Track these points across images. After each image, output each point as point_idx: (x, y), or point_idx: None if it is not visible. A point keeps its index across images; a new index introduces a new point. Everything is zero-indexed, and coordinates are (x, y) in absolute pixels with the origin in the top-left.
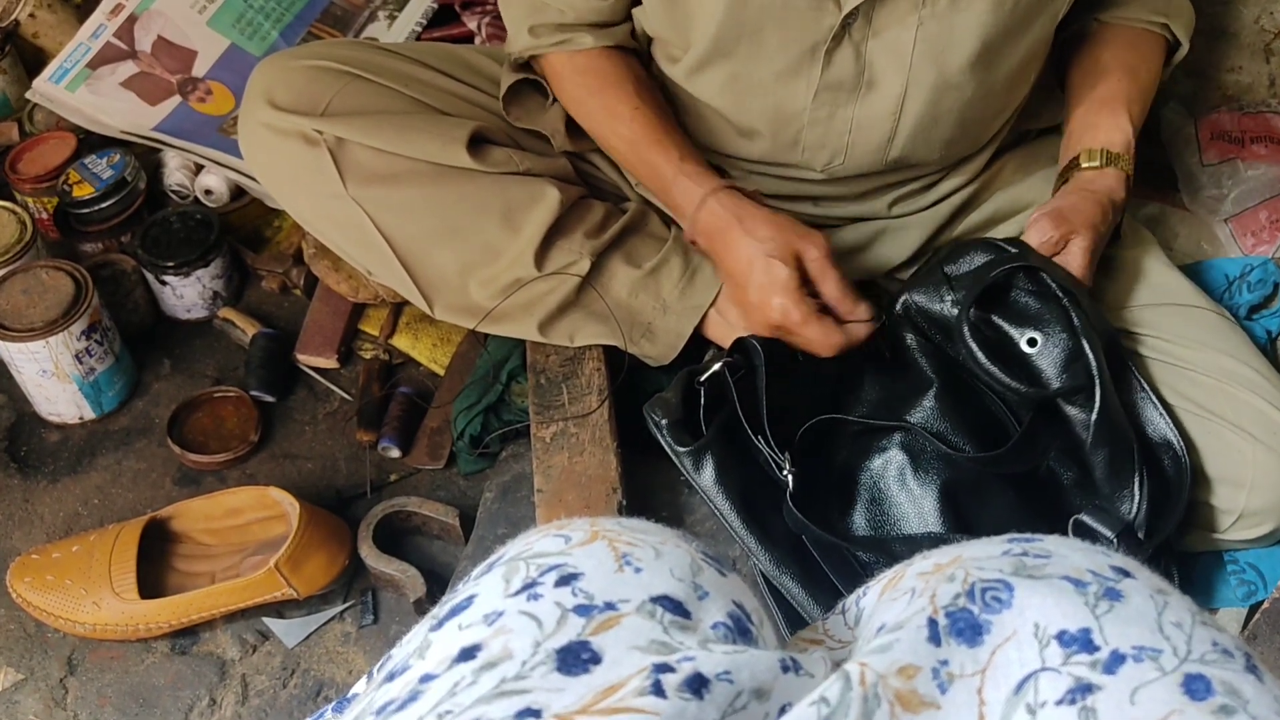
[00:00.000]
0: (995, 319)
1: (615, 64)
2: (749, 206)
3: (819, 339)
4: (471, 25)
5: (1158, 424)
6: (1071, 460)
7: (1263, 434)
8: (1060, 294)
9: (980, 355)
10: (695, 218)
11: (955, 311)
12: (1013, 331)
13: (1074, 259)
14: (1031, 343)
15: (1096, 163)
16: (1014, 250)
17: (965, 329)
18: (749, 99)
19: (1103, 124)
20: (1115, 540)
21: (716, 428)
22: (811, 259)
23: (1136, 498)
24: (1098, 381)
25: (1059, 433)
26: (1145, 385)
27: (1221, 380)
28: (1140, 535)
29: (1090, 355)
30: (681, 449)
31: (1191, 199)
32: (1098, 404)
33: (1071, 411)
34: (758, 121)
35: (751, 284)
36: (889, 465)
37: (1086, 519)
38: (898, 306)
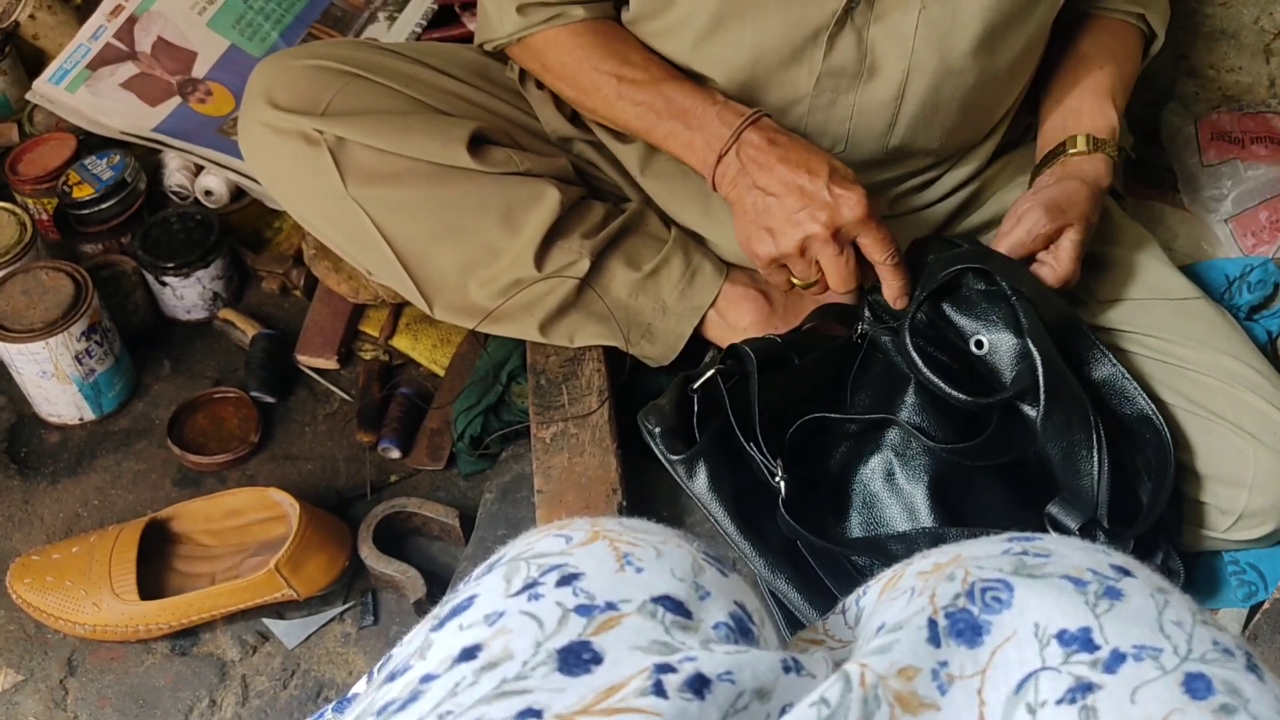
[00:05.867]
0: (950, 312)
1: (613, 26)
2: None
3: (846, 267)
4: (471, 26)
5: (1136, 401)
6: None
7: (1263, 434)
8: (1009, 293)
9: (923, 367)
10: (746, 132)
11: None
12: (965, 326)
13: (1065, 254)
14: (979, 344)
15: (1085, 148)
16: (965, 248)
17: (907, 339)
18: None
19: (1086, 110)
20: (1077, 532)
21: (709, 434)
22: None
23: (1096, 488)
24: (1041, 384)
25: (1030, 426)
26: (1115, 360)
27: (1222, 380)
28: (1104, 525)
29: (1036, 356)
30: (674, 457)
31: (1191, 199)
32: (1042, 406)
33: (1025, 409)
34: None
35: (817, 179)
36: (877, 467)
37: (1053, 511)
38: (866, 308)
